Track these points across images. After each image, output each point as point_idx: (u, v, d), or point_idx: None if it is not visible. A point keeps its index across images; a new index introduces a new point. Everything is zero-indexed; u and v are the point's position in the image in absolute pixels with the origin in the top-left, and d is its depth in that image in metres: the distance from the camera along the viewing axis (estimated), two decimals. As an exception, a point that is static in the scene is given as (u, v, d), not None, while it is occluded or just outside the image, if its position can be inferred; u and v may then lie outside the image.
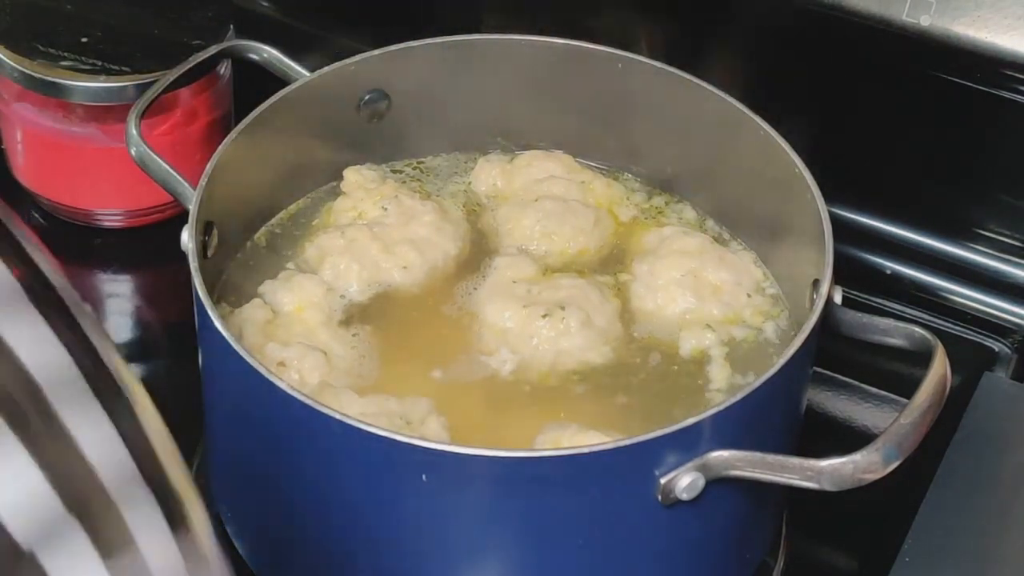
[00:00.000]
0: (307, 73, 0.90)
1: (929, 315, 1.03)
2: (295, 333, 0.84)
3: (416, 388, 0.82)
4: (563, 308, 0.84)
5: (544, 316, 0.84)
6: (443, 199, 0.94)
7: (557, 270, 0.89)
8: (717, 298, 0.87)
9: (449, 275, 0.89)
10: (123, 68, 1.01)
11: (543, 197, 0.92)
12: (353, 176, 0.93)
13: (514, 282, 0.87)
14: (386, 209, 0.90)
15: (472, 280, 0.89)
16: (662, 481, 0.72)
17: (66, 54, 1.01)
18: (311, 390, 0.79)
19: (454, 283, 0.89)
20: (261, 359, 0.76)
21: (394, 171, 0.96)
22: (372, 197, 0.91)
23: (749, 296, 0.88)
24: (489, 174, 0.95)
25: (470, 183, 0.95)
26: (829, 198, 0.82)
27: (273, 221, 0.92)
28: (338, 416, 0.71)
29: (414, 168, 0.96)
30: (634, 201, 0.95)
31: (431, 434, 0.78)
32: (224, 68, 1.05)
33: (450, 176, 0.96)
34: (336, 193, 0.93)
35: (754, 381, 0.74)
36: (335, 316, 0.86)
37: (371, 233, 0.89)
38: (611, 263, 0.91)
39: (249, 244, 0.90)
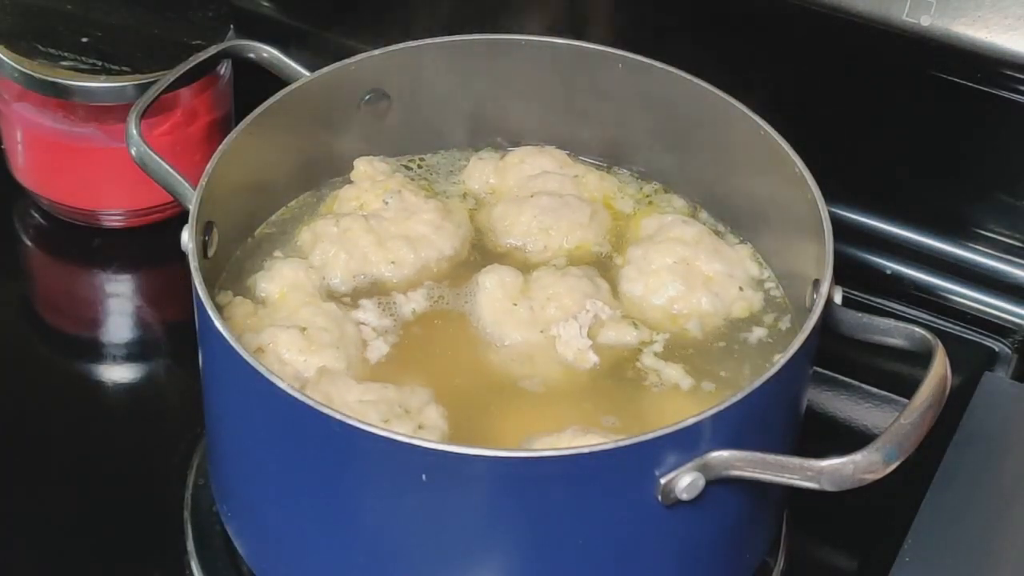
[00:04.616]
0: (307, 73, 0.90)
1: (929, 315, 1.03)
2: (280, 318, 0.84)
3: (415, 380, 0.82)
4: (575, 318, 0.85)
5: (554, 334, 0.84)
6: (452, 200, 0.94)
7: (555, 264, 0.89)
8: (707, 288, 0.87)
9: (441, 276, 0.89)
10: (123, 68, 1.01)
11: (539, 193, 0.92)
12: (364, 166, 0.92)
13: (515, 304, 0.86)
14: (387, 203, 0.90)
15: (465, 288, 0.88)
16: (662, 481, 0.72)
17: (66, 54, 1.02)
18: (302, 375, 0.79)
19: (445, 284, 0.88)
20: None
21: (404, 167, 0.96)
22: (377, 189, 0.91)
23: (741, 289, 0.87)
24: (482, 171, 0.95)
25: (464, 181, 0.95)
26: (829, 198, 0.82)
27: (273, 218, 0.92)
28: (338, 416, 0.71)
29: (418, 166, 0.96)
30: (627, 192, 0.94)
31: (430, 422, 0.78)
32: (224, 68, 1.05)
33: (448, 174, 0.96)
34: (337, 189, 0.93)
35: (754, 381, 0.74)
36: (318, 293, 0.86)
37: (366, 225, 0.88)
38: (612, 254, 0.91)
39: (250, 241, 0.90)
